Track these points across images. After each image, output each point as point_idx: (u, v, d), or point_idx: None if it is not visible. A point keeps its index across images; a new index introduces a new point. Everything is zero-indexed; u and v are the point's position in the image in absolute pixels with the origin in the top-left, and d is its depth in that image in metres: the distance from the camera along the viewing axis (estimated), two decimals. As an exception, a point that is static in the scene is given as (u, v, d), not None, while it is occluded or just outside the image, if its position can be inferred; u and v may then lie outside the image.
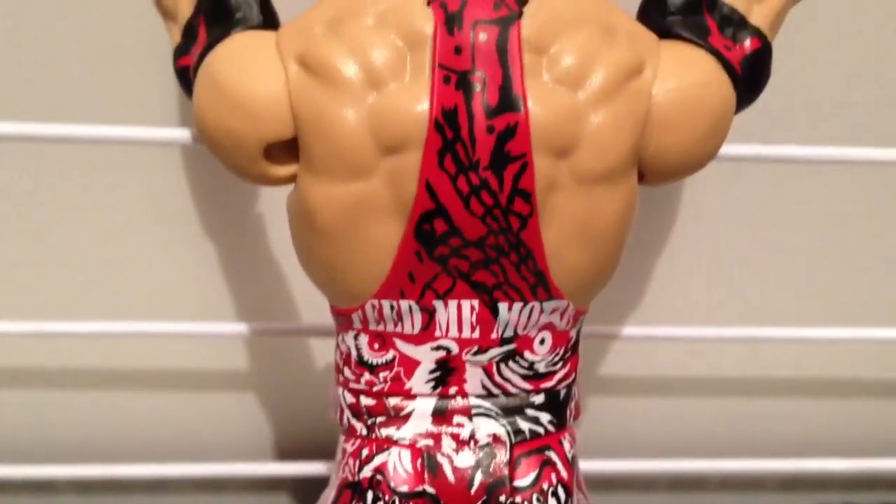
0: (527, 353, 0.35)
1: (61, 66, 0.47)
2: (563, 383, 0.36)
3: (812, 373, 0.56)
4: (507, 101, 0.31)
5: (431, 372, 0.35)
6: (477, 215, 0.32)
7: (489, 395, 0.35)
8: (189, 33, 0.36)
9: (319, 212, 0.33)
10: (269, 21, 0.35)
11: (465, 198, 0.32)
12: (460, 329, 0.34)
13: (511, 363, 0.35)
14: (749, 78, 0.35)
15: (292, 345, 0.53)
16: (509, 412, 0.35)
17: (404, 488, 0.35)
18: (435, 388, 0.35)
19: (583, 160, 0.32)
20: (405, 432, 0.35)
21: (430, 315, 0.34)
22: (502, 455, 0.35)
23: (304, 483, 0.53)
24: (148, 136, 0.40)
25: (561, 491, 0.36)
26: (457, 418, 0.35)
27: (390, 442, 0.35)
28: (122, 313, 0.51)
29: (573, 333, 0.36)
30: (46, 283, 0.51)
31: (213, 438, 0.55)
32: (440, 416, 0.35)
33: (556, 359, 0.36)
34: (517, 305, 0.34)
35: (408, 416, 0.35)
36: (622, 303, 0.53)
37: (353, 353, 0.36)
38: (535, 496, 0.35)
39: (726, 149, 0.38)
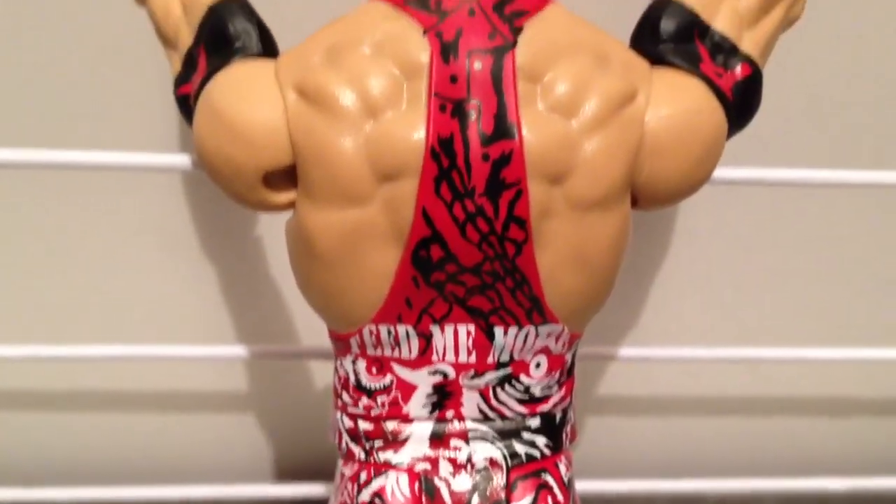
0: (523, 377, 0.35)
1: (63, 92, 0.47)
2: (559, 406, 0.37)
3: (808, 392, 0.56)
4: (501, 129, 0.31)
5: (429, 396, 0.35)
6: (473, 242, 0.32)
7: (486, 418, 0.35)
8: (189, 62, 0.36)
9: (317, 238, 0.33)
10: (269, 50, 0.36)
11: (461, 225, 0.32)
12: (457, 353, 0.34)
13: (507, 387, 0.35)
14: (740, 104, 0.35)
15: (291, 367, 0.54)
16: (506, 436, 0.36)
17: (402, 512, 0.35)
18: (432, 412, 0.35)
19: (577, 187, 0.32)
20: (403, 456, 0.35)
21: (427, 340, 0.34)
22: (499, 479, 0.35)
23: (303, 505, 0.53)
24: (149, 162, 0.40)
25: (557, 514, 0.36)
26: (454, 442, 0.35)
27: (388, 466, 0.35)
28: (122, 336, 0.51)
29: (568, 357, 0.37)
30: (47, 306, 0.51)
31: (213, 460, 0.55)
32: (437, 440, 0.35)
33: (552, 382, 0.36)
34: (513, 330, 0.34)
35: (405, 440, 0.35)
36: (618, 324, 0.54)
37: (352, 378, 0.36)
38: (531, 519, 0.35)
39: (719, 172, 0.38)
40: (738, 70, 0.35)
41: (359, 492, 0.36)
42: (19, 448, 0.54)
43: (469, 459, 0.35)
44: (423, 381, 0.35)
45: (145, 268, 0.51)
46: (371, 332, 0.34)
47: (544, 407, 0.36)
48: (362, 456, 0.36)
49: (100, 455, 0.54)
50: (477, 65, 0.32)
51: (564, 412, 0.37)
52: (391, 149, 0.31)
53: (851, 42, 0.48)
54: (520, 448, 0.36)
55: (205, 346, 0.47)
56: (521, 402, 0.36)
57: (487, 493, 0.35)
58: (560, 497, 0.36)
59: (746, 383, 0.55)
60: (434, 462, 0.35)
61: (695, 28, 0.35)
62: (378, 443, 0.36)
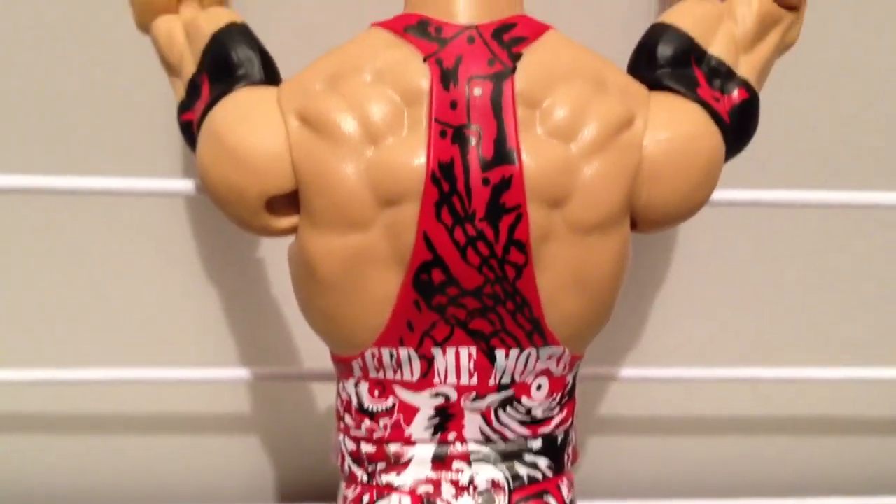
0: (524, 399, 0.35)
1: (69, 118, 0.48)
2: (561, 428, 0.37)
3: (809, 411, 0.56)
4: (501, 154, 0.32)
5: (431, 418, 0.35)
6: (473, 265, 0.33)
7: (488, 440, 0.36)
8: (193, 89, 0.37)
9: (319, 262, 0.33)
10: (271, 77, 0.36)
11: (461, 248, 0.32)
12: (458, 376, 0.35)
13: (509, 409, 0.35)
14: (737, 127, 0.36)
15: (294, 389, 0.54)
16: (508, 457, 0.36)
17: (405, 535, 0.35)
18: (434, 434, 0.35)
19: (576, 210, 0.33)
20: (405, 479, 0.35)
21: (428, 362, 0.35)
22: (501, 500, 0.35)
23: (306, 526, 0.54)
24: (154, 187, 0.41)
25: (560, 536, 0.36)
26: (456, 464, 0.35)
27: (391, 489, 0.35)
28: (125, 359, 0.51)
29: (569, 379, 0.37)
30: (50, 328, 0.52)
31: (216, 482, 0.55)
32: (440, 462, 0.35)
33: (554, 404, 0.36)
34: (514, 352, 0.34)
35: (408, 462, 0.36)
36: (619, 345, 0.54)
37: (354, 401, 0.36)
38: (533, 541, 0.36)
39: (718, 194, 0.38)
40: (735, 94, 0.36)
41: (361, 514, 0.36)
42: (21, 470, 0.54)
43: (471, 481, 0.35)
44: (425, 403, 0.35)
45: (148, 291, 0.51)
46: (373, 356, 0.35)
47: (546, 429, 0.36)
48: (365, 478, 0.36)
49: (102, 477, 0.55)
50: (477, 91, 0.32)
51: (566, 433, 0.37)
52: (392, 174, 0.32)
53: (847, 65, 0.49)
54: (522, 470, 0.36)
55: (207, 369, 0.47)
56: (522, 423, 0.36)
57: (490, 515, 0.35)
58: (562, 519, 0.36)
59: (747, 403, 0.56)
60: (436, 484, 0.35)
61: (692, 53, 0.35)
62: (380, 465, 0.36)
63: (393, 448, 0.36)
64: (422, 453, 0.35)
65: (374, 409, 0.36)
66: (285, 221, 0.35)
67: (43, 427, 0.53)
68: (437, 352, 0.34)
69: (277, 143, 0.33)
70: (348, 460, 0.37)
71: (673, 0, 0.38)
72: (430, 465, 0.35)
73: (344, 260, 0.33)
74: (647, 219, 0.35)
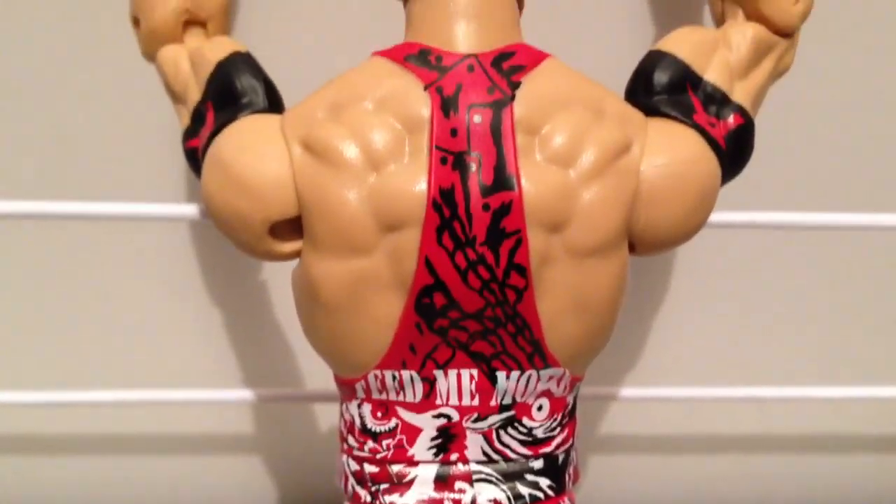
0: (525, 420, 0.36)
1: (75, 145, 0.48)
2: (562, 448, 0.37)
3: (810, 430, 0.56)
4: (501, 180, 0.32)
5: (433, 439, 0.36)
6: (474, 289, 0.33)
7: (489, 460, 0.36)
8: (198, 117, 0.37)
9: (323, 287, 0.34)
10: (275, 105, 0.37)
11: (462, 272, 0.33)
12: (460, 397, 0.35)
13: (510, 429, 0.36)
14: (733, 152, 0.36)
15: (297, 410, 0.54)
16: (509, 477, 0.36)
17: (408, 555, 0.35)
18: (437, 454, 0.36)
19: (575, 235, 0.33)
20: (408, 499, 0.36)
21: (430, 384, 0.35)
22: (503, 520, 0.36)
23: (310, 547, 0.54)
24: (159, 212, 0.41)
25: (561, 555, 0.37)
26: (458, 484, 0.36)
27: (394, 508, 0.36)
28: (129, 380, 0.51)
29: (570, 399, 0.37)
30: (55, 351, 0.52)
31: (219, 502, 0.55)
32: (442, 482, 0.36)
33: (555, 424, 0.37)
34: (515, 374, 0.35)
35: (410, 482, 0.36)
36: (619, 364, 0.54)
37: (357, 422, 0.37)
38: (535, 561, 0.36)
39: (716, 216, 0.39)
40: (731, 120, 0.36)
41: (365, 535, 0.36)
42: (24, 492, 0.54)
43: (473, 501, 0.36)
44: (428, 424, 0.36)
45: (153, 314, 0.52)
46: (376, 378, 0.35)
47: (547, 449, 0.37)
48: (368, 499, 0.36)
49: (106, 498, 0.55)
50: (476, 118, 0.33)
51: (567, 453, 0.37)
52: (394, 200, 0.32)
53: (842, 90, 0.49)
54: (523, 489, 0.36)
55: (211, 390, 0.48)
56: (524, 444, 0.36)
57: (492, 535, 0.36)
58: (563, 538, 0.37)
59: (747, 421, 0.56)
60: (439, 504, 0.36)
61: (687, 80, 0.36)
62: (383, 485, 0.36)
63: (396, 468, 0.36)
64: (424, 473, 0.36)
65: (377, 430, 0.36)
66: (289, 246, 0.35)
67: (46, 448, 0.54)
68: (439, 374, 0.35)
69: (281, 170, 0.34)
70: (352, 481, 0.37)
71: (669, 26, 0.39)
72: (432, 485, 0.36)
73: (347, 284, 0.34)
74: (645, 242, 0.35)
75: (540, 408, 0.36)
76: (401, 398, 0.35)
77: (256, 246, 0.35)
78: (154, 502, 0.55)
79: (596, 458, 0.56)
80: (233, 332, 0.52)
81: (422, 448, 0.36)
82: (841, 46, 0.49)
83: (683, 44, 0.36)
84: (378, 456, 0.36)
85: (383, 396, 0.36)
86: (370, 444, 0.36)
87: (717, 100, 0.36)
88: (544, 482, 0.37)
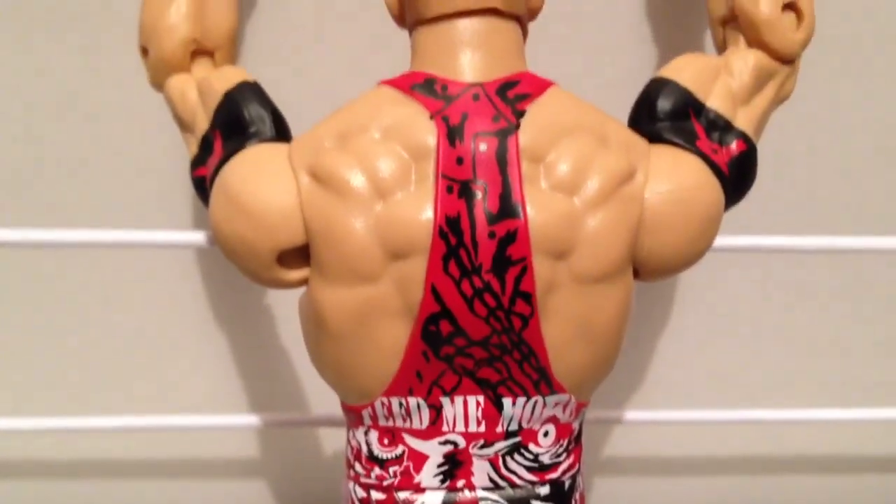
0: (531, 446, 0.36)
1: (86, 175, 0.49)
2: (568, 474, 0.37)
3: (815, 451, 0.56)
4: (507, 208, 0.32)
5: (439, 466, 0.36)
6: (481, 316, 0.33)
7: (496, 487, 0.36)
8: (205, 145, 0.38)
9: (330, 314, 0.34)
10: (282, 134, 0.37)
11: (469, 300, 0.33)
12: (467, 424, 0.35)
13: (516, 455, 0.36)
14: (736, 178, 0.36)
15: (303, 435, 0.54)
16: (516, 503, 0.36)
17: (415, 582, 0.35)
18: (443, 481, 0.36)
19: (580, 262, 0.33)
20: (415, 526, 0.36)
21: (437, 411, 0.35)
22: (510, 547, 0.36)
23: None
24: (167, 239, 0.41)
25: (568, 581, 0.37)
26: (465, 511, 0.36)
27: (401, 536, 0.36)
28: (136, 406, 0.52)
29: (576, 425, 0.37)
30: (64, 378, 0.52)
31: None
32: (449, 509, 0.36)
33: (561, 450, 0.37)
34: (521, 400, 0.35)
35: (417, 509, 0.36)
36: (624, 388, 0.54)
37: (364, 449, 0.37)
38: (542, 587, 0.36)
39: (719, 240, 0.39)
40: (734, 146, 0.36)
41: (372, 562, 0.36)
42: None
43: (480, 527, 0.36)
44: (434, 450, 0.36)
45: (159, 339, 0.52)
46: (383, 405, 0.35)
47: (553, 475, 0.37)
48: (375, 525, 0.37)
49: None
50: (482, 147, 0.33)
51: (573, 479, 0.38)
52: (401, 228, 0.33)
53: (843, 115, 0.50)
54: (530, 516, 0.36)
55: (217, 416, 0.48)
56: (530, 470, 0.36)
57: (499, 562, 0.36)
58: (570, 565, 0.37)
59: (752, 444, 0.56)
60: (446, 531, 0.36)
61: (690, 107, 0.36)
62: (391, 513, 0.36)
63: (403, 495, 0.36)
64: (431, 500, 0.36)
65: (384, 457, 0.36)
66: (296, 274, 0.35)
67: (53, 473, 0.54)
68: (445, 401, 0.35)
69: (288, 199, 0.34)
70: (359, 508, 0.37)
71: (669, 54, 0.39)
72: (439, 512, 0.36)
73: (353, 312, 0.34)
74: (649, 268, 0.35)
75: (546, 434, 0.36)
76: (407, 425, 0.36)
77: (264, 274, 0.35)
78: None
79: (601, 482, 0.56)
80: (239, 358, 0.52)
81: (428, 475, 0.36)
82: (842, 72, 0.49)
83: (686, 71, 0.37)
84: (385, 483, 0.36)
85: (390, 423, 0.36)
86: (377, 470, 0.36)
87: (720, 126, 0.36)
88: (551, 508, 0.37)
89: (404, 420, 0.35)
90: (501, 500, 0.36)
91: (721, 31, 0.39)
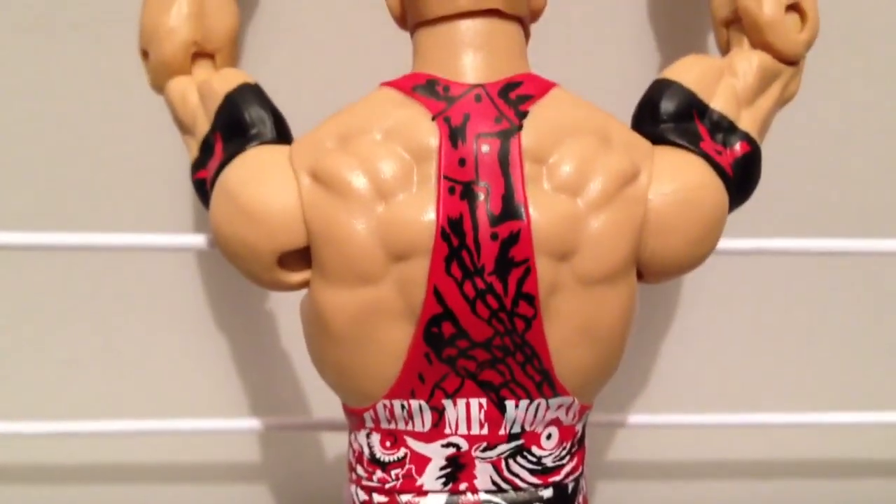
0: (534, 449, 0.36)
1: (86, 177, 0.49)
2: (571, 477, 0.37)
3: (818, 455, 0.56)
4: (509, 210, 0.32)
5: (442, 468, 0.36)
6: (483, 318, 0.33)
7: (499, 490, 0.36)
8: (206, 148, 0.38)
9: (331, 316, 0.34)
10: (283, 136, 0.37)
11: (471, 302, 0.33)
12: (469, 426, 0.35)
13: (519, 458, 0.36)
14: (741, 180, 0.36)
15: (304, 439, 0.54)
16: (519, 507, 0.36)
17: (417, 586, 0.35)
18: (446, 484, 0.36)
19: (583, 263, 0.33)
20: (418, 529, 0.36)
21: (439, 413, 0.35)
22: (513, 550, 0.36)
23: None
24: (167, 242, 0.41)
25: (571, 585, 0.36)
26: (468, 514, 0.36)
27: (403, 539, 0.36)
28: (137, 410, 0.51)
29: (579, 428, 0.37)
30: (64, 382, 0.52)
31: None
32: (451, 512, 0.36)
33: (564, 453, 0.37)
34: (524, 402, 0.35)
35: (420, 513, 0.36)
36: (627, 391, 0.54)
37: (366, 452, 0.37)
38: (546, 591, 0.36)
39: (724, 243, 0.39)
40: (738, 147, 0.36)
41: (374, 566, 0.36)
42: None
43: (483, 531, 0.36)
44: (437, 453, 0.36)
45: (160, 342, 0.52)
46: (385, 407, 0.35)
47: (556, 477, 0.36)
48: (377, 529, 0.36)
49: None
50: (484, 148, 0.33)
51: (576, 482, 0.37)
52: (402, 230, 0.32)
53: (849, 115, 0.50)
54: (533, 519, 0.36)
55: (218, 419, 0.48)
56: (533, 472, 0.36)
57: (502, 566, 0.35)
58: (574, 568, 0.37)
59: (756, 448, 0.56)
60: (449, 535, 0.36)
61: (694, 108, 0.36)
62: (393, 516, 0.36)
63: (405, 498, 0.36)
64: (434, 503, 0.36)
65: (386, 460, 0.36)
66: (297, 276, 0.35)
67: (53, 478, 0.54)
68: (447, 403, 0.35)
69: (290, 201, 0.34)
70: (360, 511, 0.37)
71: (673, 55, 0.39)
72: (442, 515, 0.36)
73: (355, 314, 0.34)
74: (653, 270, 0.35)
75: (549, 436, 0.36)
76: (409, 427, 0.35)
77: (265, 276, 0.35)
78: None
79: (604, 486, 0.56)
80: (240, 361, 0.52)
81: (431, 477, 0.36)
82: (847, 73, 0.49)
83: (689, 72, 0.37)
84: (387, 486, 0.36)
85: (392, 426, 0.36)
86: (379, 473, 0.36)
87: (724, 127, 0.36)
88: (554, 511, 0.37)
89: (406, 422, 0.35)
90: (504, 503, 0.36)
91: (725, 33, 0.39)
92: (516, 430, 0.35)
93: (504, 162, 0.33)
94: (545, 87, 0.34)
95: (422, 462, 0.36)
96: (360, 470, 0.37)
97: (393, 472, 0.36)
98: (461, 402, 0.35)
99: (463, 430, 0.35)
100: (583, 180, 0.33)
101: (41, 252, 0.49)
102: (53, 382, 0.52)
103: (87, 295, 0.51)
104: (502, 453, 0.36)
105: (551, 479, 0.36)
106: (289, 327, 0.52)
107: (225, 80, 0.38)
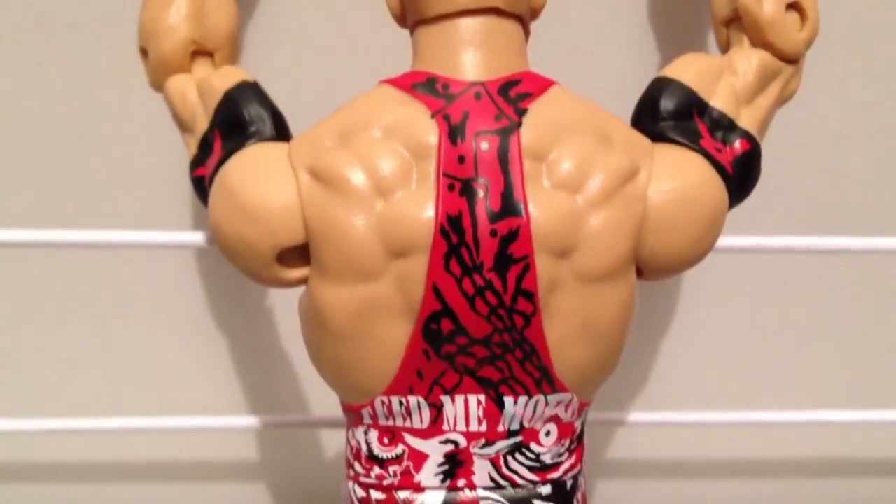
0: (533, 445, 0.36)
1: (84, 175, 0.49)
2: (570, 474, 0.37)
3: (818, 454, 0.56)
4: (508, 207, 0.32)
5: (440, 465, 0.36)
6: (482, 315, 0.33)
7: (497, 486, 0.36)
8: (205, 145, 0.38)
9: (330, 313, 0.34)
10: (282, 133, 0.37)
11: (470, 298, 0.33)
12: (468, 423, 0.35)
13: (518, 455, 0.36)
14: (740, 178, 0.36)
15: (303, 436, 0.54)
16: (517, 503, 0.36)
17: (415, 582, 0.35)
18: (444, 480, 0.36)
19: (583, 260, 0.33)
20: (416, 525, 0.36)
21: (438, 410, 0.35)
22: (511, 547, 0.36)
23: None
24: (166, 240, 0.41)
25: (570, 582, 0.36)
26: (466, 511, 0.36)
27: (401, 535, 0.36)
28: (135, 408, 0.52)
29: (578, 425, 0.37)
30: (62, 379, 0.52)
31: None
32: (450, 508, 0.36)
33: (562, 450, 0.37)
34: (522, 399, 0.35)
35: (418, 509, 0.36)
36: (626, 389, 0.54)
37: (364, 448, 0.37)
38: (544, 588, 0.36)
39: (724, 240, 0.39)
40: (738, 145, 0.36)
41: (372, 562, 0.36)
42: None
43: (481, 527, 0.36)
44: (435, 450, 0.36)
45: (158, 339, 0.52)
46: (383, 404, 0.35)
47: (555, 474, 0.37)
48: (375, 525, 0.36)
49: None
50: (484, 145, 0.33)
51: (575, 479, 0.37)
52: (402, 227, 0.32)
53: (848, 114, 0.50)
54: (532, 516, 0.36)
55: (216, 417, 0.48)
56: (532, 469, 0.36)
57: (500, 562, 0.35)
58: (572, 565, 0.37)
59: (755, 446, 0.56)
60: (447, 531, 0.36)
61: (693, 106, 0.36)
62: (391, 512, 0.36)
63: (403, 495, 0.36)
64: (432, 500, 0.36)
65: (384, 457, 0.36)
66: (296, 273, 0.35)
67: (51, 476, 0.54)
68: (446, 399, 0.35)
69: (288, 198, 0.34)
70: (359, 508, 0.37)
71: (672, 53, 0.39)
72: (440, 512, 0.36)
73: (354, 310, 0.34)
74: (653, 267, 0.35)
75: (548, 433, 0.36)
76: (408, 424, 0.35)
77: (263, 273, 0.35)
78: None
79: (603, 484, 0.56)
80: (238, 359, 0.52)
81: (429, 474, 0.36)
82: (847, 72, 0.49)
83: (689, 70, 0.37)
84: (385, 482, 0.36)
85: (390, 423, 0.36)
86: (377, 470, 0.36)
87: (724, 125, 0.36)
88: (553, 508, 0.37)
89: (404, 419, 0.35)
90: (502, 500, 0.36)
91: (725, 31, 0.39)
92: (515, 426, 0.35)
93: (503, 159, 0.33)
94: (544, 84, 0.34)
95: (420, 459, 0.36)
96: (357, 466, 0.37)
97: (391, 469, 0.36)
98: (460, 399, 0.35)
99: (461, 426, 0.35)
100: (582, 177, 0.33)
101: (41, 252, 0.49)
102: (53, 382, 0.52)
103: (87, 295, 0.51)
104: (501, 450, 0.36)
105: (550, 476, 0.36)
106: (288, 325, 0.52)
107: (224, 78, 0.38)
